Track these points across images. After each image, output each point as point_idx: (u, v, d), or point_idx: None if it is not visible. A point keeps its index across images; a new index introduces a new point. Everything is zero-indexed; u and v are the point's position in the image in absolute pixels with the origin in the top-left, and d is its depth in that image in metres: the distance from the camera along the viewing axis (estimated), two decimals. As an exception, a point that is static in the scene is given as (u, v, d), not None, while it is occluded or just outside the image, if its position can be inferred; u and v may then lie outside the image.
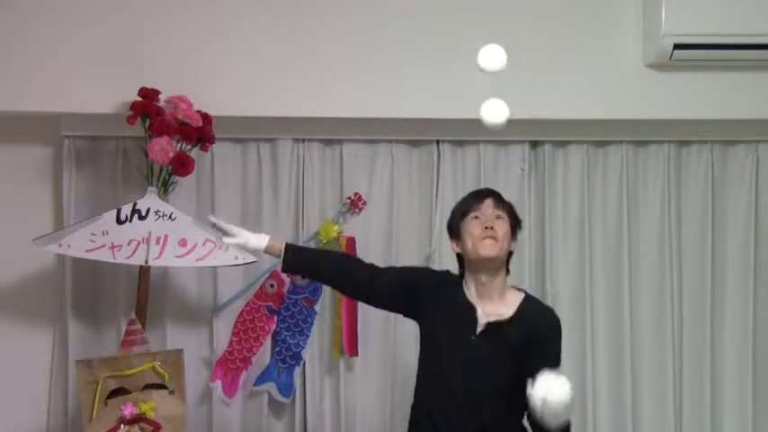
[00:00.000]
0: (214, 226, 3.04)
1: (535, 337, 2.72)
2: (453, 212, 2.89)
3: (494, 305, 2.76)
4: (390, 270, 2.98)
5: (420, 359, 2.86)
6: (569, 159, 3.84)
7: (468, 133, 3.74)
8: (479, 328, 2.73)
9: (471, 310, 2.75)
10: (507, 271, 2.84)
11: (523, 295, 2.84)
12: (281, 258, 2.92)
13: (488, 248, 2.74)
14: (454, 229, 2.84)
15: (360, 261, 3.03)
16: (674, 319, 3.82)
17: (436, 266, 3.65)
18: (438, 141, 3.78)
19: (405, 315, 2.97)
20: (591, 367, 3.76)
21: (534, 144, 3.83)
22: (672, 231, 3.84)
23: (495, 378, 2.69)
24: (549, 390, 2.51)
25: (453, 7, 3.57)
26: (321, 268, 2.99)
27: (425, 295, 2.82)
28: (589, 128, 3.75)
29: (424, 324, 2.85)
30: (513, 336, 2.71)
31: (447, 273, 2.92)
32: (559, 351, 2.79)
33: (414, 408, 2.87)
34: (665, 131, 3.81)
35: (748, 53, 3.54)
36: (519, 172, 3.78)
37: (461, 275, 2.84)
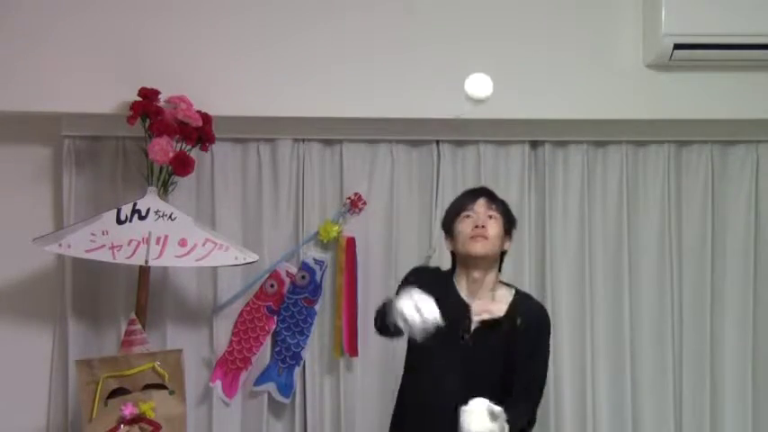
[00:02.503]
0: None
1: (524, 336, 2.74)
2: (447, 211, 2.93)
3: (484, 303, 2.79)
4: None
5: (407, 356, 2.88)
6: (569, 159, 3.83)
7: (468, 133, 3.74)
8: (474, 326, 2.73)
9: (464, 307, 2.76)
10: (500, 269, 2.85)
11: (513, 291, 2.85)
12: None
13: (478, 247, 2.77)
14: (448, 228, 2.87)
15: None
16: (673, 319, 3.82)
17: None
18: (438, 141, 3.78)
19: None
20: (591, 367, 3.76)
21: (534, 144, 3.82)
22: (672, 231, 3.84)
23: (485, 376, 2.70)
24: (473, 415, 2.54)
25: (453, 7, 3.58)
26: None
27: None
28: (589, 128, 3.75)
29: None
30: (503, 334, 2.72)
31: (438, 269, 2.94)
32: (547, 350, 2.81)
33: (398, 405, 2.88)
34: (665, 131, 3.81)
35: (748, 53, 3.54)
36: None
37: (452, 272, 2.85)
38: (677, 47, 3.48)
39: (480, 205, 2.83)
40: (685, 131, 3.81)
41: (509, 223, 2.87)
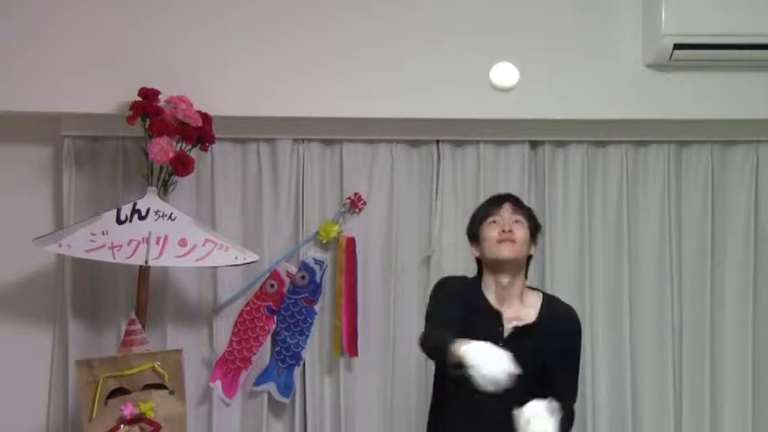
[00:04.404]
0: None
1: (557, 339, 2.77)
2: (472, 218, 2.94)
3: (514, 308, 2.81)
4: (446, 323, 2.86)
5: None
6: (569, 159, 3.83)
7: (468, 133, 3.74)
8: (506, 334, 2.74)
9: (496, 315, 2.77)
10: (526, 275, 2.87)
11: (542, 296, 2.88)
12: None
13: (506, 251, 2.78)
14: (473, 234, 2.89)
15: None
16: (673, 319, 3.81)
17: (435, 266, 3.69)
18: (438, 141, 3.78)
19: None
20: (591, 367, 3.75)
21: (534, 144, 3.82)
22: (672, 231, 3.83)
23: (523, 381, 2.67)
24: (534, 417, 2.51)
25: (454, 8, 3.58)
26: None
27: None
28: (589, 128, 3.75)
29: None
30: (536, 338, 2.74)
31: (465, 278, 2.94)
32: (579, 350, 2.86)
33: (433, 413, 2.89)
34: (665, 131, 3.81)
35: (748, 53, 3.54)
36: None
37: (479, 279, 2.87)
38: (677, 47, 3.48)
39: (506, 210, 2.85)
40: (685, 131, 3.81)
41: (534, 228, 2.89)
